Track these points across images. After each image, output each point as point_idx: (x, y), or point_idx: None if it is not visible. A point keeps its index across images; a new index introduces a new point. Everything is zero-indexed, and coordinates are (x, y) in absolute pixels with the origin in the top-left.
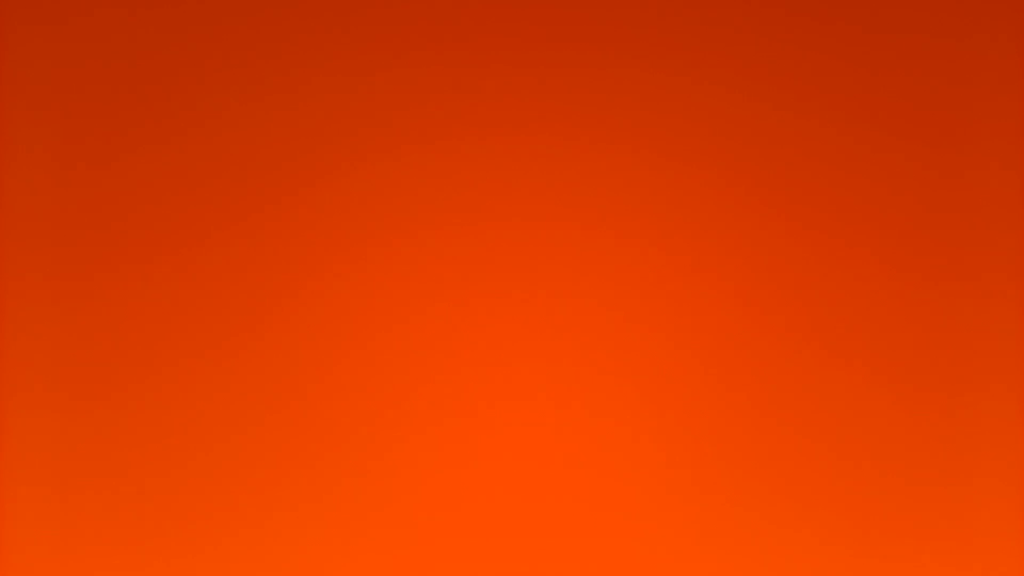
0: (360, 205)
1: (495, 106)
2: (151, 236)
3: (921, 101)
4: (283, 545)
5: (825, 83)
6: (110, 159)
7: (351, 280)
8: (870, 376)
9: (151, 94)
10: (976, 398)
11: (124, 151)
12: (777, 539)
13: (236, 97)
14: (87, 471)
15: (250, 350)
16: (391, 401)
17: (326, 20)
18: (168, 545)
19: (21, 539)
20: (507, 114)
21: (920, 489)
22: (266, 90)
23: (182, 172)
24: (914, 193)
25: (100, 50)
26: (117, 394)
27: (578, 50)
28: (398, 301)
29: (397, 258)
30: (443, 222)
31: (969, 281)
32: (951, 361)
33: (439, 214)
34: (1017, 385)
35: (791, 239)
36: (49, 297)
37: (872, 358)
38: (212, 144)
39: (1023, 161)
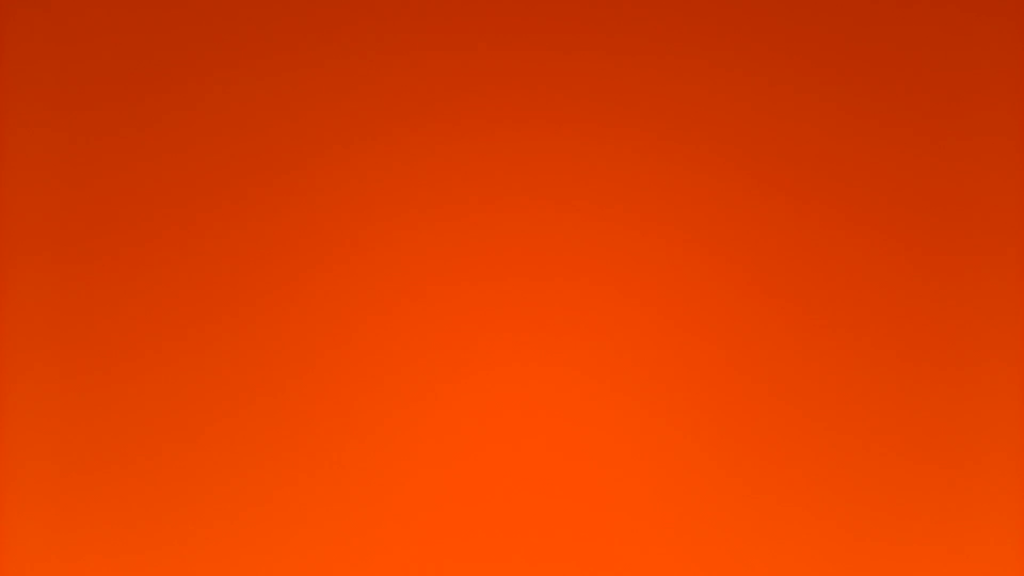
0: (364, 201)
1: (499, 98)
2: (150, 233)
3: (923, 98)
4: (285, 542)
5: (830, 82)
6: (109, 156)
7: (354, 276)
8: (874, 374)
9: (150, 92)
10: (977, 397)
11: (123, 148)
12: (779, 537)
13: (235, 94)
14: (87, 469)
15: (252, 347)
16: (395, 398)
17: (325, 14)
18: (169, 543)
19: (21, 538)
20: (511, 106)
21: (920, 487)
22: (266, 87)
23: (180, 169)
24: (918, 188)
25: (101, 49)
26: (119, 392)
27: (583, 41)
28: (403, 297)
29: (400, 254)
30: (447, 216)
31: (972, 281)
32: (953, 359)
33: (442, 208)
34: (1019, 382)
35: (794, 235)
36: (48, 295)
37: (875, 356)
38: (211, 141)
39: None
